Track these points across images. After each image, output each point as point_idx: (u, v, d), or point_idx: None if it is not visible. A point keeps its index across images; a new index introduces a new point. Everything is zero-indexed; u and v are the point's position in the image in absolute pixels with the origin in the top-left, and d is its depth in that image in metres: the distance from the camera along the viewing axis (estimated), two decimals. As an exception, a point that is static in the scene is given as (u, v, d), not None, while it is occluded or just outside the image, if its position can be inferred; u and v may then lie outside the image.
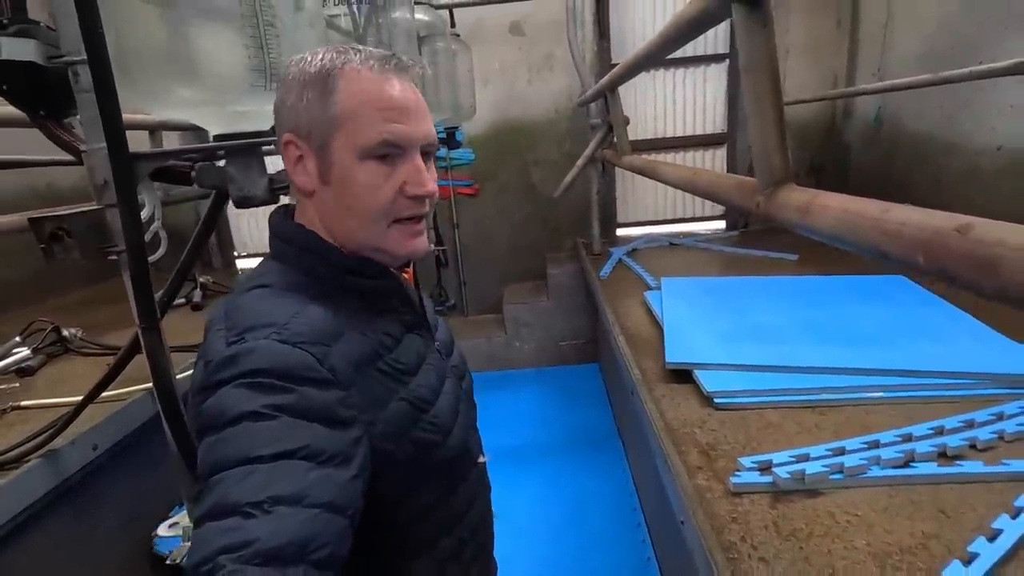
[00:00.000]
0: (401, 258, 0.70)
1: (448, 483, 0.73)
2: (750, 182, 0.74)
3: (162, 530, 1.73)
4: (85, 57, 0.62)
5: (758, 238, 3.23)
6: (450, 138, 2.77)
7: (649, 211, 4.01)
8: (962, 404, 1.25)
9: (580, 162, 2.94)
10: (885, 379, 1.36)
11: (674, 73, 3.74)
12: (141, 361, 1.24)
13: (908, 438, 1.15)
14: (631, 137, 2.60)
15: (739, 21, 0.64)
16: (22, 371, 1.97)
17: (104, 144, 0.66)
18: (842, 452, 1.12)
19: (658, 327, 1.89)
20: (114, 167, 0.66)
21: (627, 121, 2.43)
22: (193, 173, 0.75)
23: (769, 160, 0.68)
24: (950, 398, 1.29)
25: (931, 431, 1.16)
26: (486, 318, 4.00)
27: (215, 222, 1.12)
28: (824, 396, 1.34)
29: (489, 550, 0.88)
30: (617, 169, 3.79)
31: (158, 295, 0.87)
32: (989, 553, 0.84)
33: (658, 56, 1.21)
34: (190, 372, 1.47)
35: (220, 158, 0.75)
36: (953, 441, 1.11)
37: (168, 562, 1.66)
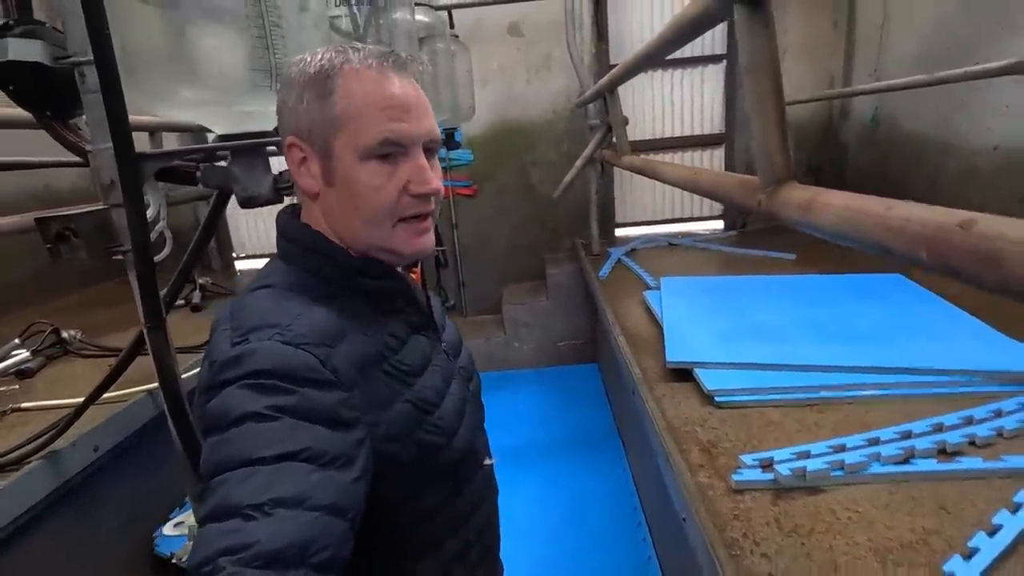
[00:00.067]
0: (408, 257, 0.69)
1: (453, 485, 0.73)
2: (752, 181, 0.75)
3: (167, 529, 1.73)
4: (91, 58, 0.62)
5: (756, 238, 3.25)
6: (449, 139, 2.78)
7: (647, 211, 4.02)
8: (961, 401, 1.26)
9: (579, 162, 2.94)
10: (884, 377, 1.37)
11: (672, 74, 3.75)
12: (141, 362, 1.24)
13: (908, 435, 1.15)
14: (629, 138, 2.61)
15: (741, 21, 0.64)
16: (21, 373, 1.97)
17: (110, 144, 0.66)
18: (842, 449, 1.13)
19: (658, 326, 1.89)
20: (120, 167, 0.66)
21: (626, 121, 2.44)
22: (198, 173, 0.75)
23: (771, 159, 0.68)
24: (949, 395, 1.30)
25: (930, 428, 1.16)
26: (485, 318, 4.00)
27: (217, 222, 1.12)
28: (824, 394, 1.34)
29: (495, 552, 0.87)
30: (615, 169, 3.80)
31: (161, 295, 0.88)
32: (989, 548, 0.85)
33: (658, 56, 1.22)
34: (189, 374, 1.48)
35: (225, 158, 0.75)
36: (952, 438, 1.12)
37: (173, 562, 1.66)
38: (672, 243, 3.32)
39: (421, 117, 0.66)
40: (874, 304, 1.84)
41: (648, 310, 2.10)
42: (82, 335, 2.24)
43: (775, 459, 1.11)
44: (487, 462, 0.82)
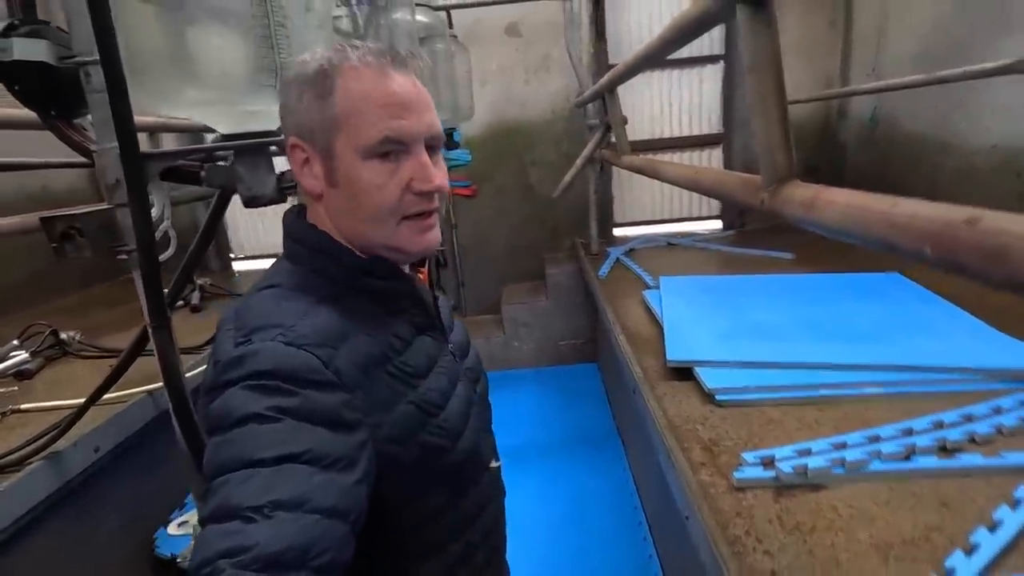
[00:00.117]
0: (414, 255, 0.69)
1: (458, 487, 0.72)
2: (754, 179, 0.75)
3: (171, 529, 1.73)
4: (97, 58, 0.62)
5: (754, 237, 3.25)
6: (448, 139, 2.78)
7: (645, 211, 4.03)
8: (960, 398, 1.27)
9: (579, 162, 2.95)
10: (884, 375, 1.38)
11: (670, 74, 3.76)
12: (140, 363, 1.24)
13: (908, 432, 1.16)
14: (628, 138, 2.61)
15: (744, 21, 0.65)
16: (20, 374, 1.97)
17: (115, 144, 0.66)
18: (843, 447, 1.13)
19: (658, 326, 1.90)
20: (125, 167, 0.66)
21: (625, 121, 2.45)
22: (203, 172, 0.75)
23: (773, 157, 0.69)
24: (949, 393, 1.30)
25: (930, 425, 1.17)
26: (484, 318, 4.00)
27: (219, 222, 1.12)
28: (824, 392, 1.35)
29: (502, 554, 0.86)
30: (613, 169, 3.81)
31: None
32: (991, 543, 0.85)
33: (660, 56, 1.22)
34: (190, 374, 1.47)
35: (227, 158, 0.75)
36: (952, 435, 1.13)
37: (179, 561, 1.66)
38: (671, 243, 3.33)
39: (422, 113, 0.65)
40: (873, 302, 1.85)
41: (648, 309, 2.11)
42: (81, 336, 2.24)
43: (776, 457, 1.12)
44: (493, 464, 0.81)
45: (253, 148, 0.75)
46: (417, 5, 1.81)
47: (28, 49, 0.70)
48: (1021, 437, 1.13)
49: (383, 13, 1.43)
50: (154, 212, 0.71)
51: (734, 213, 3.77)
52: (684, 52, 3.49)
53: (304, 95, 0.64)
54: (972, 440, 1.13)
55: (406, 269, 0.73)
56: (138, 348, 1.18)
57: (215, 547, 0.46)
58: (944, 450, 1.11)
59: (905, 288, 1.96)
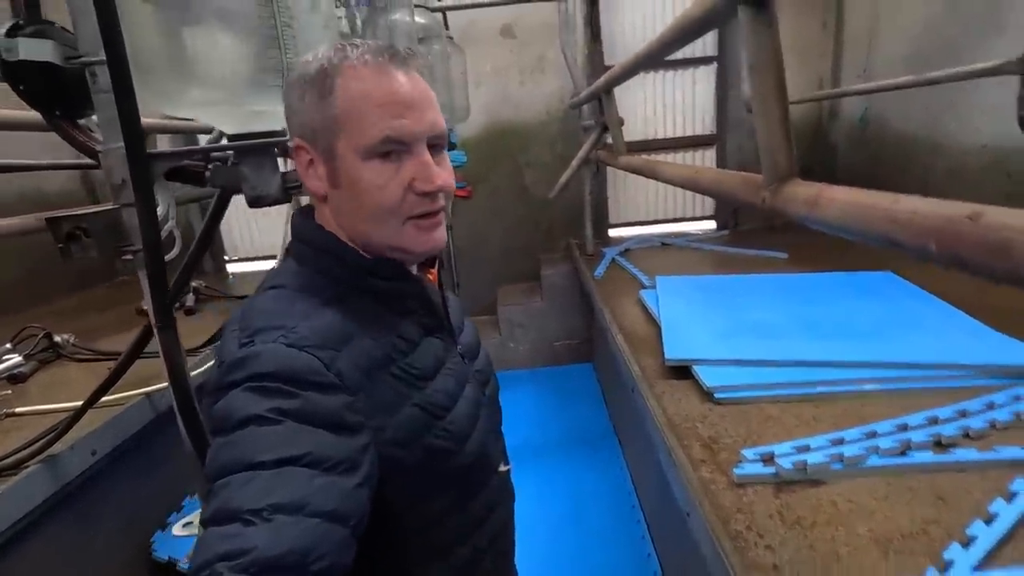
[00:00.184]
0: (419, 255, 0.68)
1: (464, 490, 0.71)
2: (755, 178, 0.76)
3: (176, 530, 1.72)
4: (103, 57, 0.62)
5: (748, 237, 3.28)
6: (444, 140, 2.78)
7: (639, 212, 4.05)
8: (954, 394, 1.28)
9: (575, 163, 2.96)
10: (879, 371, 1.40)
11: (663, 75, 3.78)
12: (137, 365, 1.23)
13: (904, 428, 1.18)
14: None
15: (746, 22, 0.66)
16: (14, 378, 1.95)
17: (121, 144, 0.66)
18: (841, 443, 1.15)
19: (654, 325, 1.91)
20: (132, 167, 0.66)
21: (622, 122, 2.46)
22: (207, 172, 0.76)
23: (774, 156, 0.70)
24: (943, 389, 1.32)
25: (926, 421, 1.19)
26: (480, 319, 4.00)
27: (219, 222, 1.12)
28: (821, 389, 1.37)
29: (510, 560, 0.85)
30: (608, 170, 3.83)
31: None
32: (987, 536, 0.87)
33: (660, 56, 1.23)
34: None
35: (232, 158, 0.76)
36: (947, 430, 1.14)
37: (185, 560, 1.65)
38: (665, 243, 3.35)
39: (424, 112, 0.64)
40: (867, 301, 1.87)
41: (644, 309, 2.12)
42: (75, 339, 2.22)
43: (776, 453, 1.13)
44: (502, 468, 0.80)
45: (258, 148, 0.76)
46: (415, 6, 1.81)
47: (34, 49, 0.70)
48: (1014, 432, 1.15)
49: (382, 14, 1.44)
50: (159, 212, 0.71)
51: (728, 213, 3.80)
52: (678, 53, 3.52)
53: (306, 96, 0.63)
54: (966, 435, 1.15)
55: (414, 269, 0.72)
56: (138, 349, 1.17)
57: (214, 549, 0.46)
58: (939, 445, 1.12)
59: (898, 286, 1.99)
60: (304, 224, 0.69)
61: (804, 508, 0.99)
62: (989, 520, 0.90)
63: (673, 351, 1.60)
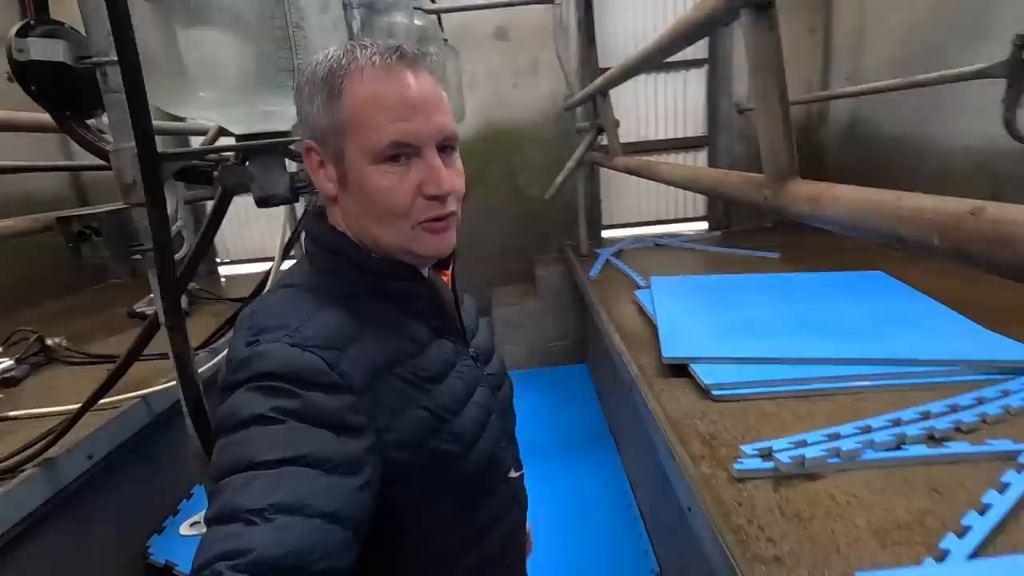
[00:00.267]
0: (428, 258, 0.68)
1: (471, 497, 0.70)
2: (756, 177, 0.78)
3: (183, 529, 1.71)
4: (114, 58, 0.63)
5: (740, 237, 3.32)
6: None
7: (632, 213, 4.08)
8: (945, 390, 1.31)
9: (570, 164, 2.98)
10: (872, 368, 1.42)
11: (655, 78, 3.82)
12: (134, 368, 1.23)
13: (898, 422, 1.20)
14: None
15: (748, 25, 0.68)
16: (6, 381, 1.93)
17: (132, 144, 0.66)
18: (837, 437, 1.17)
19: (650, 325, 1.93)
20: (143, 167, 0.66)
21: (618, 124, 2.48)
22: (215, 172, 0.76)
23: (776, 155, 0.71)
24: (934, 384, 1.35)
25: (919, 415, 1.21)
26: (474, 321, 4.01)
27: (220, 222, 1.12)
28: (816, 385, 1.39)
29: (520, 570, 0.84)
30: (601, 172, 3.86)
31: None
32: (981, 525, 0.89)
33: (659, 58, 1.25)
34: (171, 384, 1.45)
35: (243, 158, 0.76)
36: (940, 424, 1.17)
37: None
38: (658, 244, 3.37)
39: (431, 114, 0.63)
40: (859, 299, 1.90)
41: (640, 309, 2.14)
42: (67, 342, 2.20)
43: (774, 448, 1.14)
44: (512, 475, 0.78)
45: (266, 148, 0.76)
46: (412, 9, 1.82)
47: (46, 49, 0.70)
48: (1004, 425, 1.18)
49: (379, 17, 1.44)
50: (168, 211, 0.72)
51: (720, 214, 3.84)
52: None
53: (315, 98, 0.63)
54: (958, 429, 1.17)
55: (426, 271, 0.72)
56: (138, 351, 1.17)
57: (214, 549, 0.46)
58: (932, 439, 1.15)
59: (889, 285, 2.03)
60: (316, 224, 0.69)
61: (803, 501, 1.01)
62: (983, 510, 0.93)
63: (670, 350, 1.62)
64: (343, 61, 0.62)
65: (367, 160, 0.62)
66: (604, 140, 2.75)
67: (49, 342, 2.16)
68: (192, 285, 2.91)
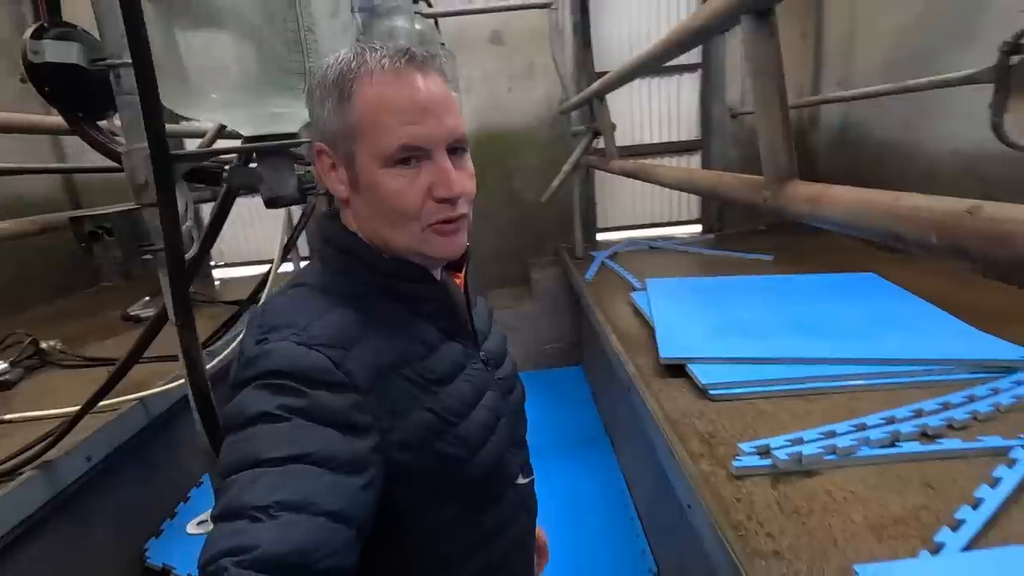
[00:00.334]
0: (439, 260, 0.69)
1: (476, 501, 0.70)
2: (756, 179, 0.80)
3: (191, 528, 1.71)
4: (127, 60, 0.63)
5: (734, 240, 3.35)
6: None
7: (626, 216, 4.11)
8: (937, 388, 1.34)
9: (567, 167, 3.00)
10: (866, 367, 1.45)
11: (649, 82, 3.85)
12: (132, 370, 1.23)
13: (891, 420, 1.22)
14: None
15: (748, 31, 0.70)
16: (0, 385, 1.91)
17: (144, 145, 0.67)
18: (833, 435, 1.19)
19: (647, 326, 1.95)
20: (155, 167, 0.67)
21: (614, 127, 2.51)
22: (224, 173, 0.77)
23: (776, 157, 0.73)
24: (926, 383, 1.38)
25: (912, 413, 1.24)
26: (470, 324, 4.01)
27: (222, 223, 1.12)
28: (811, 385, 1.41)
29: None
30: (595, 175, 3.89)
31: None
32: (974, 519, 0.91)
33: (659, 62, 1.27)
34: (174, 384, 1.45)
35: (246, 159, 0.77)
36: (932, 422, 1.19)
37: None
38: (653, 246, 3.40)
39: (441, 117, 0.63)
40: (852, 301, 1.93)
41: (636, 311, 2.16)
42: (61, 345, 2.18)
43: (771, 446, 1.16)
44: (521, 481, 0.77)
45: (275, 150, 0.77)
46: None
47: (60, 52, 0.70)
48: (994, 423, 1.21)
49: (382, 20, 1.45)
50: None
51: (713, 217, 3.88)
52: (663, 61, 3.62)
53: (326, 101, 0.64)
54: (950, 426, 1.20)
55: (438, 272, 0.72)
56: (138, 353, 1.17)
57: (220, 545, 0.47)
58: (926, 436, 1.17)
59: (881, 287, 2.06)
60: (329, 225, 0.70)
61: (801, 497, 1.03)
62: (976, 505, 0.95)
63: (668, 350, 1.64)
64: (353, 64, 0.63)
65: (377, 163, 0.62)
66: (600, 143, 2.77)
67: (43, 345, 2.14)
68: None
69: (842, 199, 0.61)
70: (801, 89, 3.65)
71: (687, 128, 3.94)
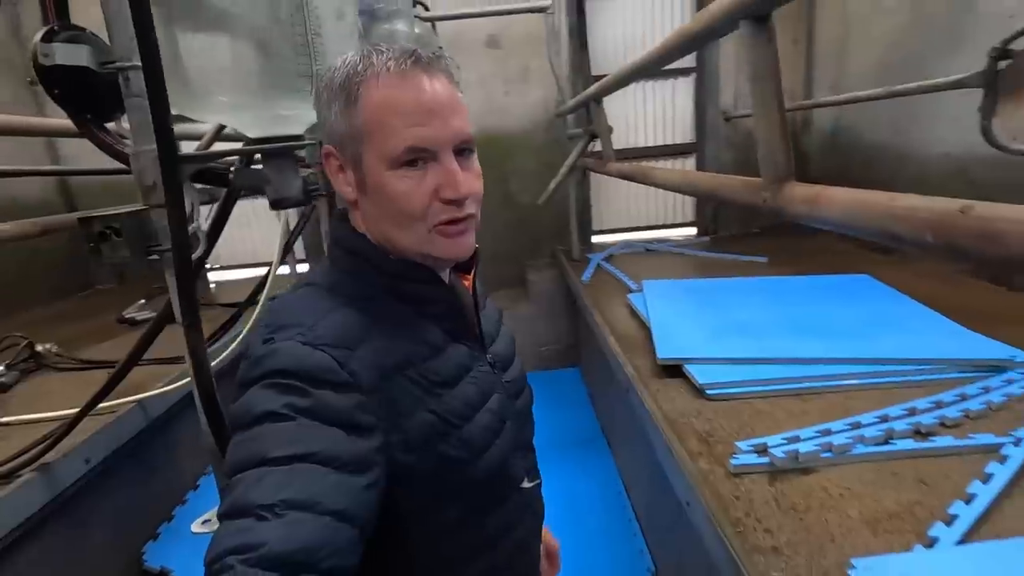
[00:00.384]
0: (446, 261, 0.68)
1: (480, 504, 0.69)
2: (755, 180, 0.82)
3: (195, 527, 1.70)
4: (137, 63, 0.64)
5: (729, 243, 3.38)
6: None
7: (622, 218, 4.14)
8: (930, 387, 1.36)
9: (564, 170, 3.02)
10: (860, 367, 1.47)
11: (644, 86, 3.89)
12: (131, 373, 1.23)
13: (885, 418, 1.24)
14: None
15: (747, 36, 0.71)
16: (-4, 387, 1.91)
17: (153, 146, 0.68)
18: (828, 433, 1.21)
19: (644, 327, 1.96)
20: (163, 169, 0.68)
21: (611, 130, 2.53)
22: (230, 174, 0.78)
23: (774, 158, 0.75)
24: (919, 382, 1.40)
25: (905, 412, 1.26)
26: (466, 326, 4.02)
27: (224, 223, 1.13)
28: (807, 384, 1.43)
29: None
30: (591, 178, 3.91)
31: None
32: (967, 514, 0.93)
33: (657, 66, 1.29)
34: (171, 387, 1.46)
35: (259, 160, 0.78)
36: (926, 420, 1.21)
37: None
38: (649, 248, 3.42)
39: (448, 119, 0.63)
40: (846, 302, 1.96)
41: (633, 312, 2.17)
42: (58, 348, 2.18)
43: (768, 444, 1.18)
44: (527, 484, 0.77)
45: (280, 152, 0.78)
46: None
47: (70, 54, 0.71)
48: (986, 420, 1.23)
49: (382, 23, 1.47)
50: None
51: (708, 219, 3.91)
52: (658, 65, 3.65)
53: (333, 104, 0.64)
54: (943, 424, 1.22)
55: (447, 274, 0.72)
56: (138, 355, 1.17)
57: (226, 543, 0.47)
58: (919, 433, 1.19)
59: (875, 288, 2.09)
60: (339, 226, 0.71)
61: (798, 494, 1.05)
62: (968, 500, 0.97)
63: (665, 351, 1.65)
64: (359, 67, 0.63)
65: (384, 165, 0.63)
66: (597, 146, 2.79)
67: (39, 348, 2.14)
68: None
69: (839, 200, 0.62)
70: (793, 93, 3.69)
71: (681, 131, 3.98)
